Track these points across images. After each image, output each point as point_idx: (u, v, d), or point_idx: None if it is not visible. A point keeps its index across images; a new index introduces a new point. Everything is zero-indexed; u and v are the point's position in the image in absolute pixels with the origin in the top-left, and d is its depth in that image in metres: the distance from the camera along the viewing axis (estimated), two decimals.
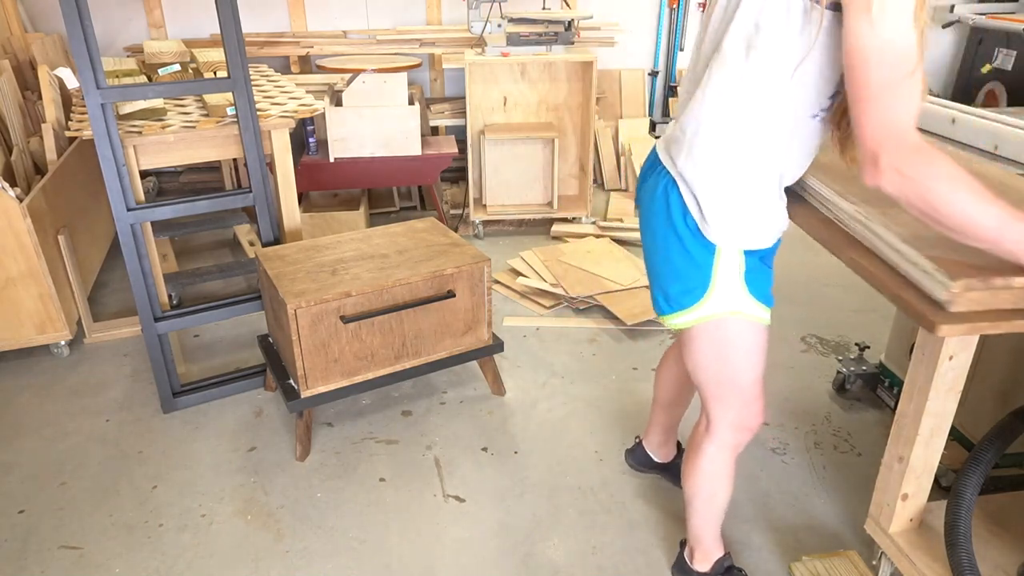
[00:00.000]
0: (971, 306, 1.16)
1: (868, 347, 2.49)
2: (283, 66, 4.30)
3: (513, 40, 3.68)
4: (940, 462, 1.56)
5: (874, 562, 1.71)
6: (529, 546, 1.89)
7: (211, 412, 2.43)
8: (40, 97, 3.08)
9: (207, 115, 2.44)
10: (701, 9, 4.74)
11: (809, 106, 1.24)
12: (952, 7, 4.86)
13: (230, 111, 2.35)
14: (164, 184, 4.48)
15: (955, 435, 2.03)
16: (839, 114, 1.28)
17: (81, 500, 2.06)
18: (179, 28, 4.30)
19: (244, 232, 3.64)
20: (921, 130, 1.09)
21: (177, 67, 2.87)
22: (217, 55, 2.90)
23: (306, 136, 3.58)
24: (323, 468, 2.18)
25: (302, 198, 3.75)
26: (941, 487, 1.92)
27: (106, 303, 3.17)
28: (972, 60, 4.73)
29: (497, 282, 3.28)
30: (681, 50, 4.81)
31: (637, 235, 3.68)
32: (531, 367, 2.67)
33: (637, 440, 2.10)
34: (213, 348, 2.83)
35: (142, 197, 2.28)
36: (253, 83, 2.49)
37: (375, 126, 3.50)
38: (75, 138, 3.01)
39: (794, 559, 1.82)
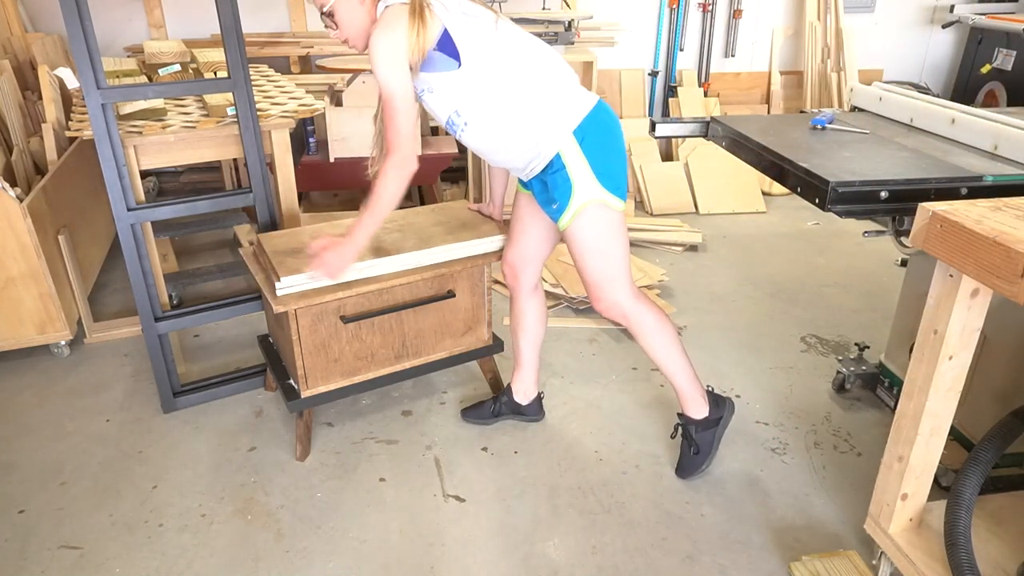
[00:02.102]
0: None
1: (868, 347, 2.49)
2: (283, 66, 4.29)
3: None
4: (940, 462, 1.56)
5: (874, 562, 1.71)
6: (529, 546, 1.90)
7: (211, 412, 2.43)
8: (40, 97, 3.08)
9: (207, 115, 2.44)
10: (701, 9, 4.75)
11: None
12: (952, 7, 4.86)
13: (230, 111, 2.35)
14: (164, 184, 4.48)
15: (955, 435, 2.03)
16: None
17: (81, 500, 2.06)
18: (179, 28, 4.30)
19: (244, 232, 3.64)
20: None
21: (177, 67, 2.87)
22: (217, 55, 2.90)
23: (306, 136, 3.58)
24: (323, 468, 2.18)
25: (302, 198, 3.75)
26: (941, 487, 1.92)
27: (106, 303, 3.17)
28: (972, 60, 4.73)
29: (497, 282, 3.28)
30: (681, 50, 4.82)
31: (637, 235, 3.68)
32: None
33: (495, 396, 2.36)
34: (213, 348, 2.83)
35: (142, 197, 2.28)
36: (253, 83, 2.49)
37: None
38: (75, 138, 3.01)
39: (794, 559, 1.82)
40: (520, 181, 2.00)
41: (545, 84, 1.78)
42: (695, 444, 2.07)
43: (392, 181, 1.74)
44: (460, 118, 1.79)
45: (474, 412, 2.36)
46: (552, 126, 1.77)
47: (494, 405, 2.33)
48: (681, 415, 2.08)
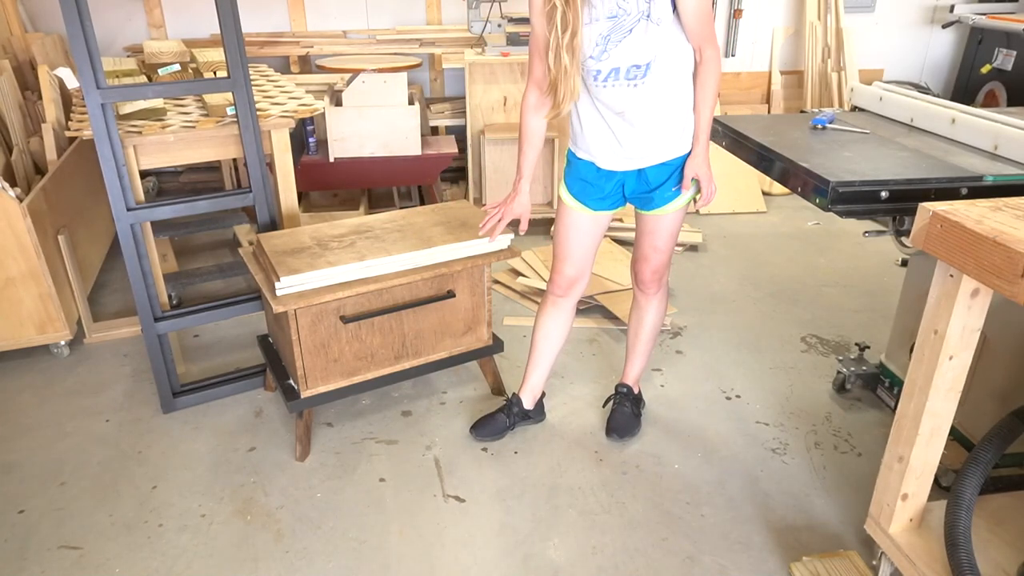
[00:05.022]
0: None
1: (868, 347, 2.49)
2: (283, 66, 4.29)
3: (513, 40, 3.68)
4: (940, 462, 1.56)
5: (874, 562, 1.71)
6: (529, 546, 1.89)
7: (211, 412, 2.43)
8: (40, 97, 3.08)
9: (207, 115, 2.44)
10: None
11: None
12: (952, 7, 4.86)
13: (230, 111, 2.35)
14: (164, 184, 4.48)
15: (955, 435, 2.02)
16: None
17: (81, 500, 2.06)
18: (179, 28, 4.30)
19: (244, 232, 3.64)
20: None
21: (177, 67, 2.87)
22: (217, 55, 2.90)
23: (306, 136, 3.58)
24: (323, 468, 2.17)
25: (302, 198, 3.74)
26: (941, 487, 1.92)
27: (106, 303, 3.17)
28: (972, 60, 4.72)
29: (497, 282, 3.28)
30: None
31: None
32: None
33: (505, 403, 2.31)
34: (213, 348, 2.83)
35: (142, 197, 2.28)
36: (253, 83, 2.49)
37: (375, 126, 3.50)
38: (75, 138, 3.01)
39: (794, 559, 1.82)
40: (578, 192, 2.02)
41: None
42: (638, 408, 2.36)
43: (718, 73, 1.87)
44: (657, 63, 1.82)
45: (488, 429, 2.27)
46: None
47: (508, 419, 2.28)
48: (628, 386, 2.34)
